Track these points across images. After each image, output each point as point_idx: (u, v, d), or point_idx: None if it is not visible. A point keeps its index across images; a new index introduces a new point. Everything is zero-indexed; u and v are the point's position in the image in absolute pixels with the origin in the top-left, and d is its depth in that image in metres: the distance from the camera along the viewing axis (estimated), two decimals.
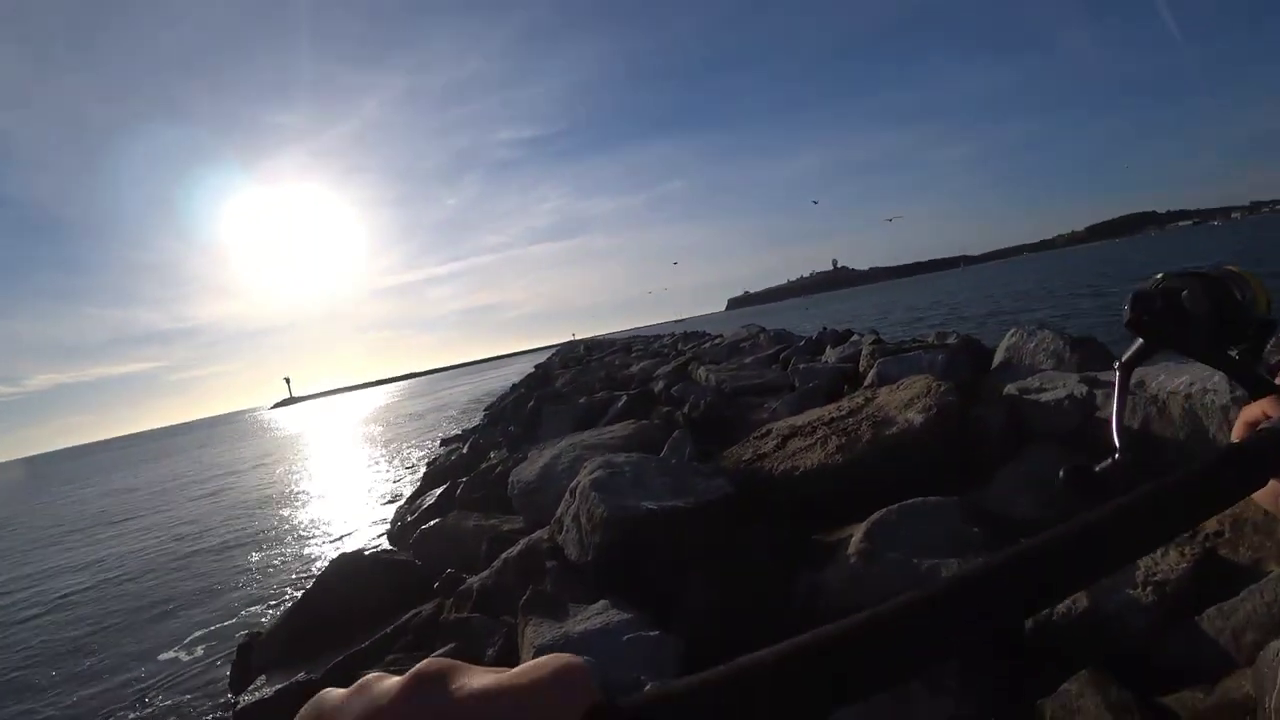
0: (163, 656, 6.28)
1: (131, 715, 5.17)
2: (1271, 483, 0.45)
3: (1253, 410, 0.52)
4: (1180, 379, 2.86)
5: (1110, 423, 0.58)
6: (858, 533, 2.47)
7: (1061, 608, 1.83)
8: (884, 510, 2.55)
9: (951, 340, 5.43)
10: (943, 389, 3.49)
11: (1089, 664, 1.66)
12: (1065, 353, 4.04)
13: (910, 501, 2.51)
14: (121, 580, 9.85)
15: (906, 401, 3.50)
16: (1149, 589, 1.78)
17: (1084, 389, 3.11)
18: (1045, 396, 3.25)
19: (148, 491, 21.79)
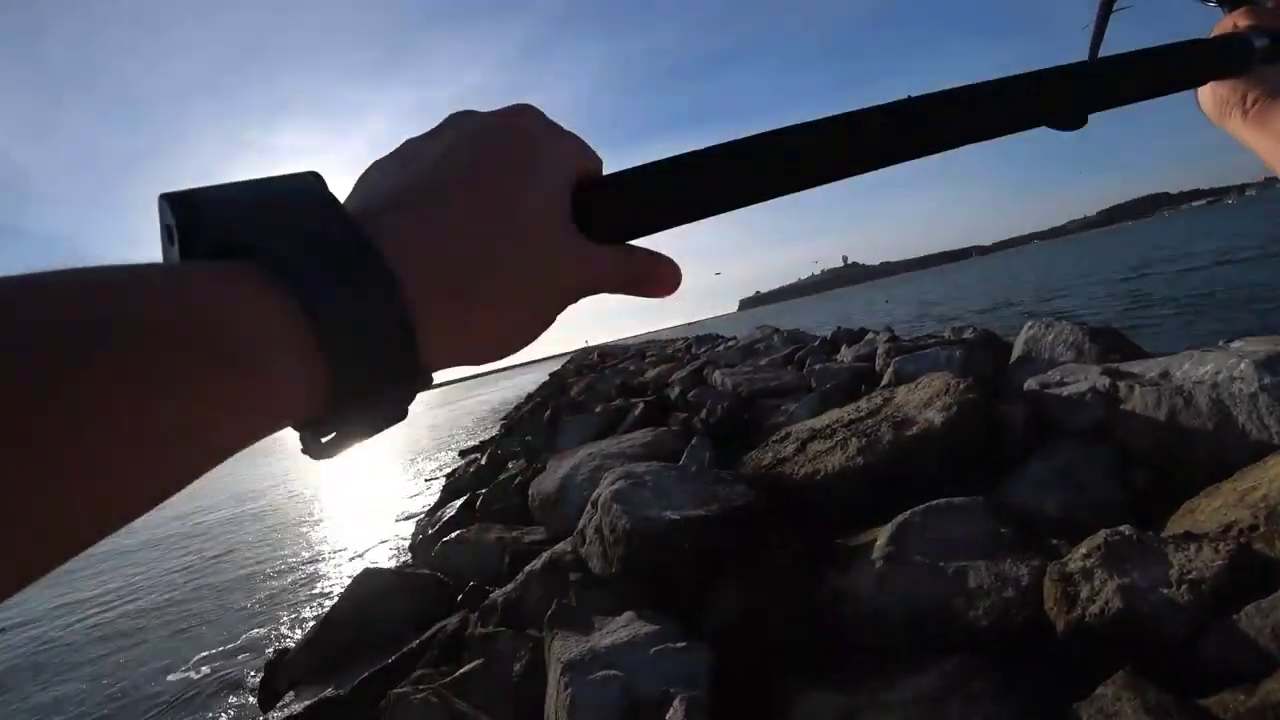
0: (191, 674, 6.35)
1: None
2: (1212, 86, 0.55)
3: (1224, 23, 0.57)
4: (1205, 367, 2.82)
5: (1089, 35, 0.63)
6: (882, 536, 2.45)
7: (1094, 609, 1.81)
8: (908, 512, 2.53)
9: (968, 335, 5.39)
10: (962, 386, 3.46)
11: (1124, 667, 1.63)
12: (1085, 344, 4.00)
13: (935, 503, 2.49)
14: (147, 598, 9.96)
15: (926, 400, 3.47)
16: (1184, 588, 1.75)
17: (1106, 381, 3.07)
18: (1067, 390, 3.21)
19: (172, 511, 22.04)
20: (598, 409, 6.83)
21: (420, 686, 2.15)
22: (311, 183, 0.28)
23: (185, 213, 0.26)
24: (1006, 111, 0.43)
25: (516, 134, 0.34)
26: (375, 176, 0.33)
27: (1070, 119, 0.46)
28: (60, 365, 0.19)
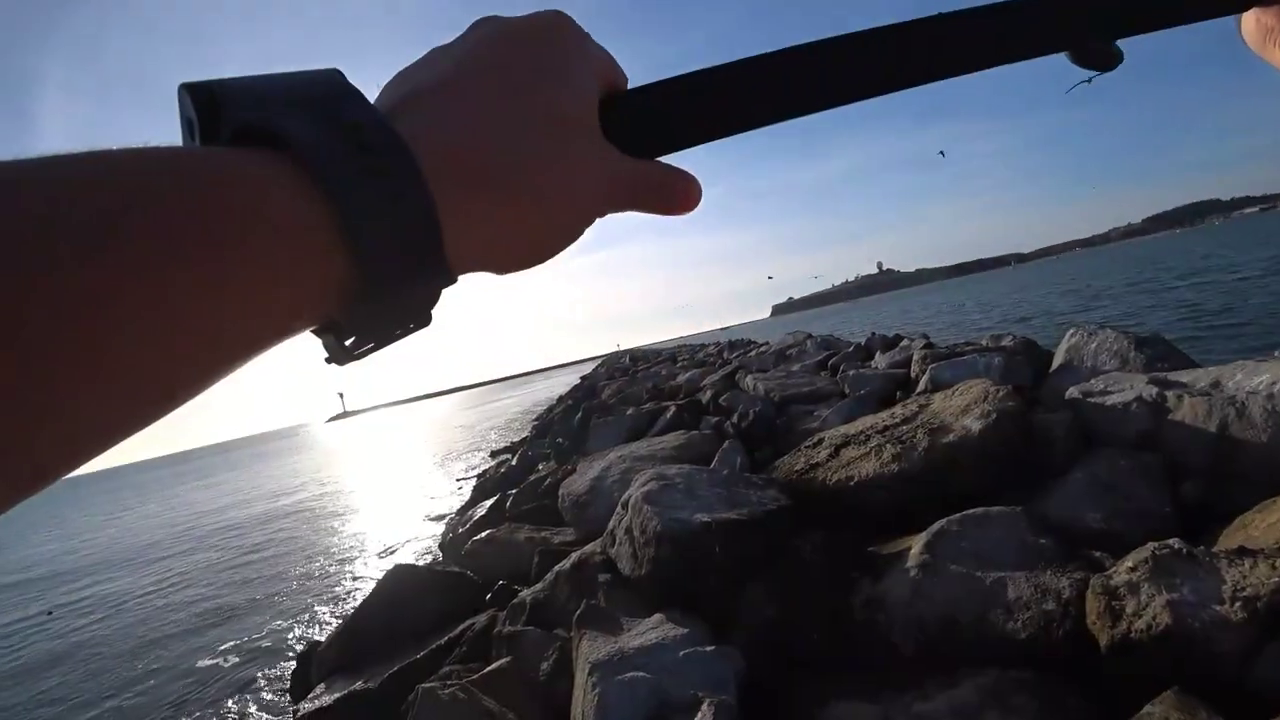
0: (223, 664, 6.50)
1: (193, 715, 5.38)
2: (1256, 11, 0.49)
3: None
4: (1260, 378, 2.71)
5: None
6: (916, 544, 2.40)
7: (1140, 624, 1.74)
8: (944, 520, 2.47)
9: (1007, 343, 5.27)
10: (1001, 393, 3.38)
11: (1171, 686, 1.57)
12: (1129, 352, 3.88)
13: (972, 511, 2.43)
14: (181, 591, 10.24)
15: (963, 407, 3.40)
16: (1237, 605, 1.68)
17: (1154, 390, 2.97)
18: (1111, 399, 3.11)
19: (209, 506, 22.62)
20: (629, 411, 6.82)
21: (448, 682, 2.15)
22: (334, 76, 0.28)
23: (206, 103, 0.26)
24: (1031, 29, 0.41)
25: (548, 35, 0.34)
26: (398, 81, 0.32)
27: (1097, 52, 0.43)
28: (69, 253, 0.19)
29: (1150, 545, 1.94)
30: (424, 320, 0.29)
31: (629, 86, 0.37)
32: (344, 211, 0.24)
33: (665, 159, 0.37)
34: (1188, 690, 1.55)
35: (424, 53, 0.34)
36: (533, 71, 0.32)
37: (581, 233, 0.34)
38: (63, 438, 0.20)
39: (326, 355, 0.29)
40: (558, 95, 0.32)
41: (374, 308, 0.27)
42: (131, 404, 0.21)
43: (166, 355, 0.21)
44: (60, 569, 14.87)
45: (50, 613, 10.61)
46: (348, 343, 0.28)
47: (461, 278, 0.30)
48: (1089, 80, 0.46)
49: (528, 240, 0.32)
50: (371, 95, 0.30)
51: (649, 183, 0.36)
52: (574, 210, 0.33)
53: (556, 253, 0.33)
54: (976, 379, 3.99)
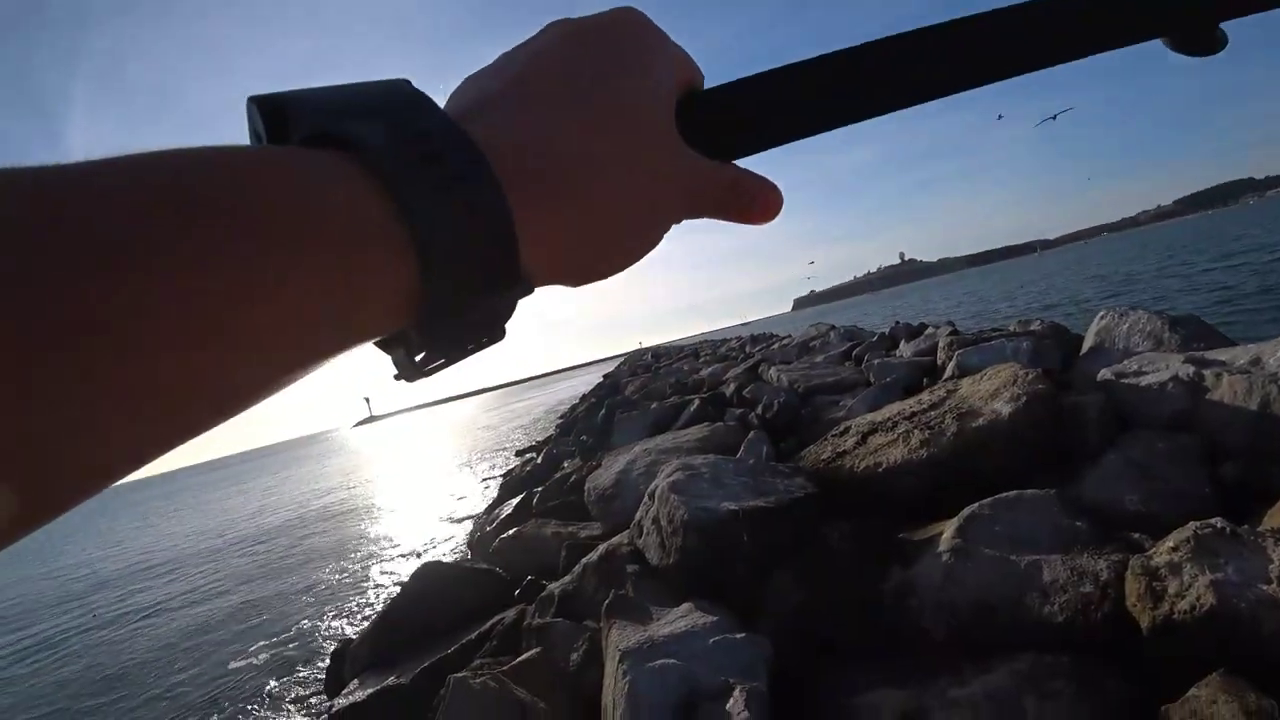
0: (259, 662, 6.63)
1: (232, 712, 5.48)
2: None
3: None
4: None
5: None
6: (948, 529, 2.37)
7: (1183, 605, 1.70)
8: (975, 505, 2.43)
9: (1035, 327, 5.19)
10: (1031, 376, 3.32)
11: (1217, 668, 1.53)
12: (1164, 333, 3.79)
13: (1004, 495, 2.39)
14: (219, 593, 10.43)
15: (992, 391, 3.34)
16: None
17: (1190, 369, 2.90)
18: (1146, 380, 3.04)
19: (242, 512, 23.05)
20: (653, 406, 6.82)
21: (479, 672, 2.17)
22: (403, 85, 0.27)
23: (273, 115, 0.25)
24: (1118, 18, 0.37)
25: (622, 33, 0.32)
26: (468, 85, 0.31)
27: (1199, 38, 0.38)
28: (127, 263, 0.18)
29: (1192, 525, 1.89)
30: (498, 334, 0.28)
31: (705, 86, 0.35)
32: (413, 216, 0.23)
33: (741, 162, 0.35)
34: (1234, 671, 1.51)
35: (456, 66, 0.32)
36: (607, 72, 0.31)
37: (659, 240, 0.33)
38: (143, 430, 0.19)
39: (395, 372, 0.27)
40: (633, 96, 0.31)
41: (445, 321, 0.26)
42: (217, 385, 0.20)
43: (227, 363, 0.20)
44: (102, 576, 15.23)
45: (94, 615, 10.92)
46: (418, 358, 0.26)
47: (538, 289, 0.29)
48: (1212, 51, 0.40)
49: (605, 249, 0.30)
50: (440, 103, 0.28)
51: (731, 189, 0.34)
52: (653, 217, 0.31)
53: (633, 261, 0.32)
54: (1005, 363, 3.93)
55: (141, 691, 6.72)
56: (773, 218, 0.36)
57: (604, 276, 0.32)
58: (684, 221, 0.34)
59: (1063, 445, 3.01)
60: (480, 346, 0.28)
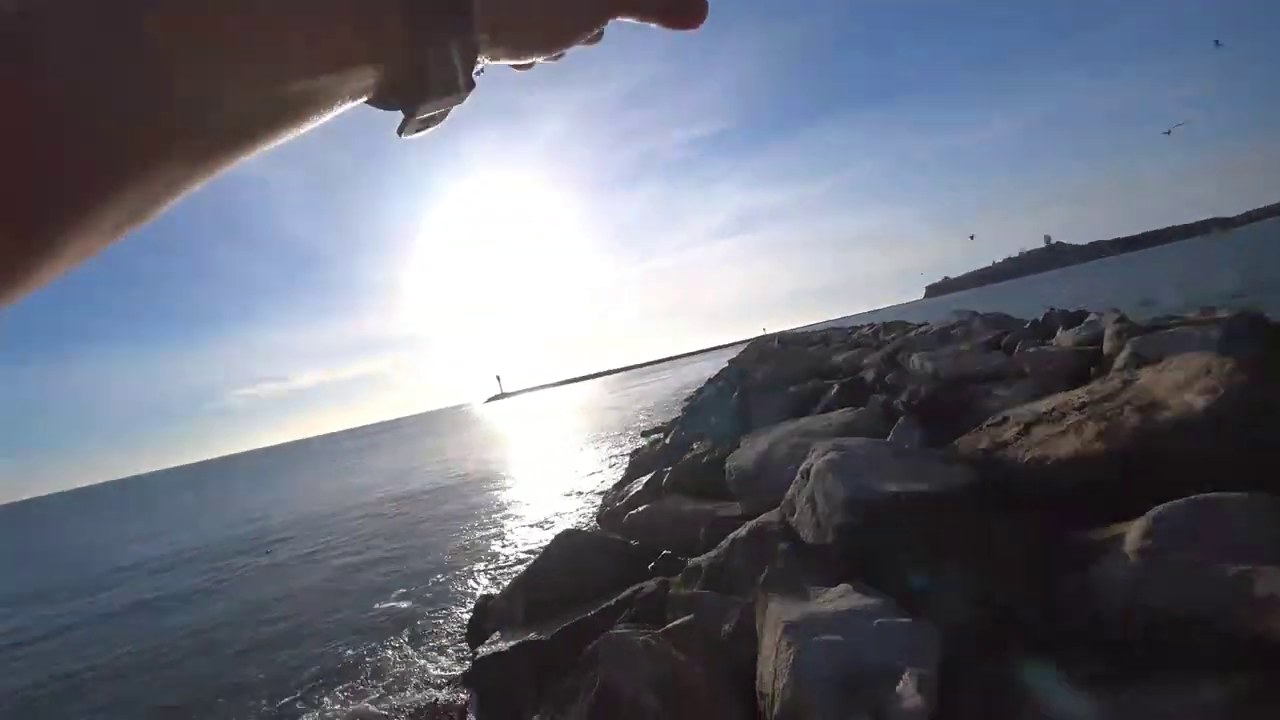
0: (404, 608, 7.21)
1: (382, 653, 5.99)
2: None
3: None
4: None
5: None
6: (1134, 530, 2.18)
7: None
8: (1166, 505, 2.23)
9: (1223, 315, 4.66)
10: (1228, 367, 2.98)
11: None
12: None
13: (1205, 496, 2.17)
14: (365, 543, 11.45)
15: (1180, 383, 3.03)
16: None
17: None
18: None
19: (391, 471, 24.96)
20: (791, 389, 6.72)
21: (640, 630, 2.25)
22: None
23: None
24: None
25: None
26: None
27: None
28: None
29: None
30: (458, 90, 0.31)
31: None
32: None
33: None
34: None
35: None
36: None
37: (595, 26, 0.34)
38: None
39: (398, 127, 0.32)
40: None
41: (418, 64, 0.29)
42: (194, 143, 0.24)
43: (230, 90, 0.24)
44: (273, 524, 17.08)
45: (269, 552, 12.57)
46: (407, 109, 0.30)
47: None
48: None
49: (547, 20, 0.32)
50: None
51: None
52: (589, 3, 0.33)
53: (572, 37, 0.34)
54: (1192, 353, 3.55)
55: (301, 623, 7.52)
56: (699, 20, 0.34)
57: (547, 51, 0.34)
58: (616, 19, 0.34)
59: (1265, 444, 2.69)
60: (445, 100, 0.31)
